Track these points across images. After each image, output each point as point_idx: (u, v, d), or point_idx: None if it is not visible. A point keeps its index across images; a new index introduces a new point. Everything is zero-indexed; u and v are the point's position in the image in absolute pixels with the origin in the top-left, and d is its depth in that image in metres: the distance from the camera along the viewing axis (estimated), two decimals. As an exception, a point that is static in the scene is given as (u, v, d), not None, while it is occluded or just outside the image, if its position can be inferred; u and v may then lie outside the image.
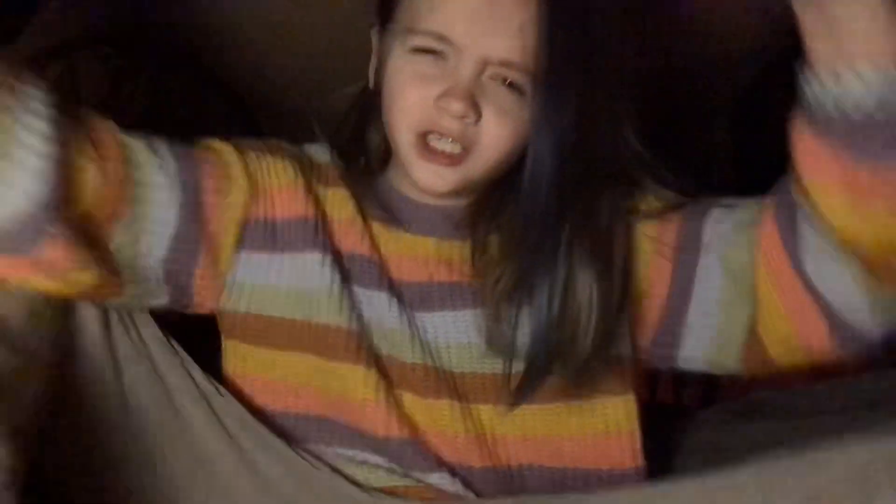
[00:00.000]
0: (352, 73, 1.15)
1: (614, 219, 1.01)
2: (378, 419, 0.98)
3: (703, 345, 1.00)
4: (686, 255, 0.99)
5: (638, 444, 1.01)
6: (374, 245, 1.03)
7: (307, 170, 1.05)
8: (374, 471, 0.97)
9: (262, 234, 1.00)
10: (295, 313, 1.00)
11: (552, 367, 0.97)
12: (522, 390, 0.96)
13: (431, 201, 1.05)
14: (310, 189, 1.03)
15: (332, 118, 1.14)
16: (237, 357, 1.04)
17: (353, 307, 1.00)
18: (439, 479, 0.97)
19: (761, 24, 1.64)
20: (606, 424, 1.00)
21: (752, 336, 0.98)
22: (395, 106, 0.99)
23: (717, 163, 1.96)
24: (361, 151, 1.08)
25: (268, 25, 1.54)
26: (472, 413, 0.99)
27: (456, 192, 1.02)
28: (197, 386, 0.97)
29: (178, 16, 1.61)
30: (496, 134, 0.98)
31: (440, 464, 0.97)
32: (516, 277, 0.98)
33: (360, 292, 1.02)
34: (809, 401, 1.24)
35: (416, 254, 1.03)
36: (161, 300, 0.98)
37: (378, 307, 1.01)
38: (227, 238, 0.98)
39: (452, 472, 0.97)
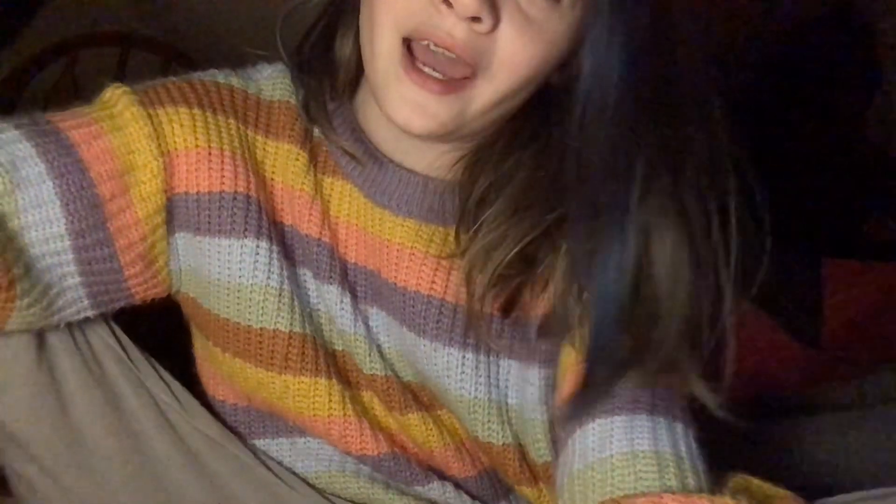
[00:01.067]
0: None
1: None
2: (350, 438, 0.82)
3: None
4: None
5: None
6: (325, 216, 0.80)
7: (241, 120, 0.80)
8: (354, 479, 0.85)
9: (194, 211, 0.78)
10: (231, 313, 0.80)
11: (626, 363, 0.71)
12: (589, 397, 0.72)
13: (412, 163, 0.78)
14: (243, 149, 0.78)
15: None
16: (198, 341, 0.87)
17: (303, 304, 0.80)
18: (428, 491, 0.85)
19: (762, 25, 1.64)
20: None
21: None
22: (381, 3, 0.71)
23: (717, 163, 1.96)
24: (326, 69, 0.80)
25: (266, 26, 1.54)
26: (445, 423, 0.84)
27: (441, 136, 0.74)
28: (158, 406, 0.80)
29: (178, 16, 1.61)
30: (517, 50, 0.69)
31: (427, 473, 0.85)
32: (572, 254, 0.71)
33: (310, 282, 0.81)
34: (810, 400, 1.24)
35: (370, 229, 0.79)
36: (90, 313, 0.78)
37: (328, 302, 0.81)
38: (153, 234, 0.77)
39: (442, 479, 0.85)
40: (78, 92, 1.62)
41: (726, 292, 0.73)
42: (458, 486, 0.86)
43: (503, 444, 0.81)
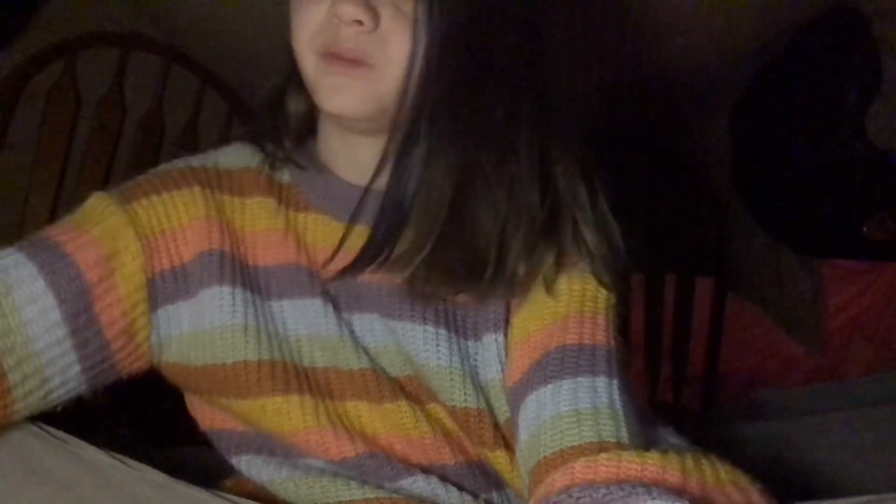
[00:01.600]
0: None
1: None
2: (328, 444, 0.89)
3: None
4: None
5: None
6: (303, 247, 0.91)
7: (213, 189, 0.92)
8: (346, 483, 0.89)
9: (173, 284, 0.88)
10: (206, 359, 0.89)
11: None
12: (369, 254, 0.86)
13: (363, 179, 0.89)
14: (217, 212, 0.91)
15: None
16: (187, 396, 0.96)
17: (271, 333, 0.90)
18: (412, 484, 0.90)
19: (761, 25, 1.64)
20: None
21: None
22: (295, 27, 0.86)
23: (717, 163, 1.96)
24: (282, 122, 0.95)
25: (266, 26, 1.54)
26: (430, 413, 0.91)
27: (374, 125, 0.86)
28: (99, 471, 0.81)
29: (178, 16, 1.61)
30: (400, 41, 0.82)
31: (409, 468, 0.90)
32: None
33: (285, 305, 0.91)
34: (810, 400, 1.24)
35: (346, 246, 0.89)
36: (83, 390, 0.86)
37: (312, 315, 0.90)
38: (134, 311, 0.86)
39: (426, 472, 0.90)
40: (78, 92, 1.63)
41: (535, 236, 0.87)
42: (444, 478, 0.90)
43: (465, 408, 0.89)
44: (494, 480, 0.92)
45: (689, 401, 1.74)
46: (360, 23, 0.82)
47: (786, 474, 1.02)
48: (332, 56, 0.83)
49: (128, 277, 0.86)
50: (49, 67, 1.60)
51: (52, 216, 1.60)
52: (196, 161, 0.94)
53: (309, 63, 0.86)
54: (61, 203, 1.61)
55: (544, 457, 0.81)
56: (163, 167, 0.94)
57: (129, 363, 0.88)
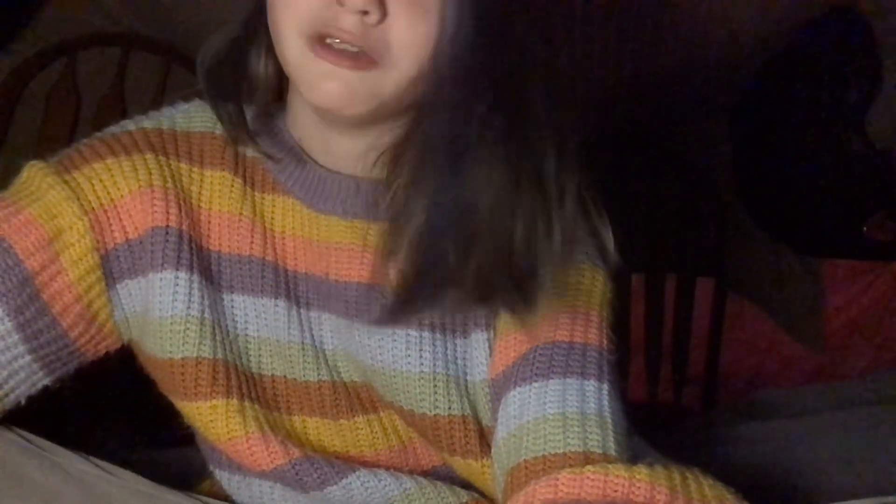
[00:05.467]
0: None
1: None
2: (256, 453, 0.82)
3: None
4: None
5: None
6: (268, 235, 0.82)
7: (169, 156, 0.81)
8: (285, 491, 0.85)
9: (129, 259, 0.79)
10: (156, 349, 0.81)
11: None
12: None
13: (342, 167, 0.81)
14: (174, 183, 0.80)
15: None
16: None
17: (222, 330, 0.82)
18: (356, 479, 0.84)
19: (761, 25, 1.64)
20: None
21: None
22: (281, 5, 0.75)
23: (717, 163, 1.96)
24: (245, 88, 0.82)
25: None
26: (387, 425, 0.86)
27: (364, 119, 0.77)
28: (82, 481, 0.77)
29: (178, 16, 1.61)
30: (409, 35, 0.73)
31: (352, 467, 0.84)
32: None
33: (238, 300, 0.82)
34: (810, 400, 1.24)
35: (316, 237, 0.82)
36: (45, 382, 0.80)
37: (271, 318, 0.82)
38: (89, 293, 0.78)
39: (374, 469, 0.85)
40: (78, 92, 1.63)
41: (553, 235, 0.75)
42: (398, 478, 0.86)
43: (449, 416, 0.83)
44: (458, 483, 0.87)
45: (689, 401, 1.74)
46: (365, 13, 0.72)
47: (786, 474, 1.02)
48: (324, 47, 0.73)
49: (77, 260, 0.77)
50: (49, 67, 1.61)
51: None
52: (149, 122, 0.83)
53: (293, 47, 0.75)
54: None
55: (525, 460, 0.76)
56: (109, 129, 0.83)
57: (95, 345, 0.80)
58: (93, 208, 0.77)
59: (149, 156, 0.80)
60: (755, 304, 2.06)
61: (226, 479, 0.87)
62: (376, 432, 0.85)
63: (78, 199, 0.77)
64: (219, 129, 0.83)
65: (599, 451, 0.75)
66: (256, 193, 0.82)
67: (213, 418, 0.81)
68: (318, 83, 0.74)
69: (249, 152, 0.82)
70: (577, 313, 0.81)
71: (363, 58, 0.73)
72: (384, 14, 0.72)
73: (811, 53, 1.86)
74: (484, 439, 0.84)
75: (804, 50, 1.83)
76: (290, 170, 0.82)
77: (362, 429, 0.85)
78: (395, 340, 0.82)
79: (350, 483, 0.84)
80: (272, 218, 0.82)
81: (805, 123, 1.94)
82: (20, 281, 0.75)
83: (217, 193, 0.81)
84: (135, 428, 1.22)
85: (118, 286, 0.79)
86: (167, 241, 0.79)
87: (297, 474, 0.83)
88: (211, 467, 0.88)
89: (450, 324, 0.83)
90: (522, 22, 0.77)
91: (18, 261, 0.75)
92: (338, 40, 0.73)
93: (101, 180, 0.78)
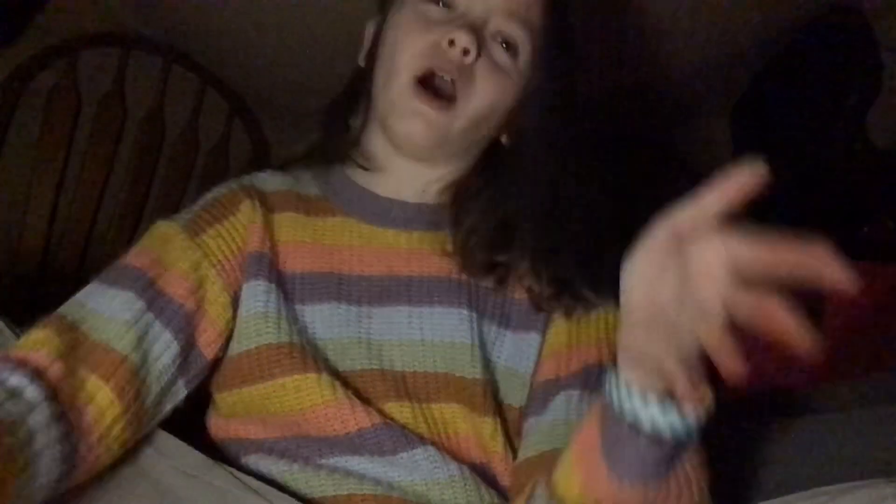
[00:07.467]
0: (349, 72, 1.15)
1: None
2: (345, 415, 0.94)
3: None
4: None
5: None
6: (327, 251, 1.02)
7: (258, 202, 1.04)
8: (344, 478, 0.94)
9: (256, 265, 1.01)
10: (237, 348, 0.98)
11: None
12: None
13: (405, 197, 1.05)
14: (263, 221, 1.03)
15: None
16: (213, 409, 1.03)
17: (295, 324, 0.99)
18: (423, 451, 0.94)
19: (761, 25, 1.64)
20: None
21: None
22: (399, 50, 0.99)
23: (718, 163, 1.96)
24: (344, 133, 1.09)
25: (266, 27, 1.54)
26: (428, 414, 0.97)
27: (431, 153, 1.02)
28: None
29: (178, 17, 1.61)
30: (488, 83, 0.99)
31: (421, 439, 0.95)
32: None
33: (307, 310, 1.00)
34: (812, 400, 1.24)
35: (383, 243, 1.02)
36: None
37: (328, 318, 0.99)
38: (227, 328, 0.98)
39: (425, 444, 0.95)
40: (78, 92, 1.63)
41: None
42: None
43: (473, 379, 0.98)
44: (490, 483, 0.95)
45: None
46: (466, 52, 0.97)
47: (786, 474, 1.02)
48: (429, 89, 0.97)
49: (213, 301, 0.97)
50: (49, 67, 1.61)
51: (53, 216, 1.60)
52: (243, 181, 1.09)
53: (400, 83, 0.98)
54: (61, 203, 1.61)
55: (526, 458, 0.92)
56: (216, 193, 1.06)
57: (210, 349, 0.97)
58: (219, 261, 0.99)
59: (247, 202, 1.04)
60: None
61: (275, 470, 0.96)
62: (418, 419, 0.96)
63: (207, 257, 0.99)
64: (283, 188, 1.08)
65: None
66: (318, 221, 1.04)
67: (303, 387, 0.95)
68: (410, 118, 0.99)
69: (313, 193, 1.07)
70: (609, 340, 1.00)
71: (449, 100, 0.98)
72: (479, 56, 0.98)
73: (811, 53, 1.86)
74: (493, 401, 0.98)
75: (804, 50, 1.83)
76: (348, 196, 1.06)
77: (406, 413, 0.96)
78: (448, 316, 0.99)
79: (417, 454, 0.93)
80: (331, 235, 1.03)
81: (805, 124, 1.94)
82: (186, 321, 0.95)
83: (286, 229, 1.03)
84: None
85: (248, 282, 0.99)
86: (260, 261, 1.00)
87: (377, 437, 0.94)
88: (251, 461, 0.98)
89: (496, 313, 1.02)
90: (581, 82, 1.05)
91: (180, 305, 0.95)
92: (443, 73, 0.98)
93: (223, 238, 1.00)
